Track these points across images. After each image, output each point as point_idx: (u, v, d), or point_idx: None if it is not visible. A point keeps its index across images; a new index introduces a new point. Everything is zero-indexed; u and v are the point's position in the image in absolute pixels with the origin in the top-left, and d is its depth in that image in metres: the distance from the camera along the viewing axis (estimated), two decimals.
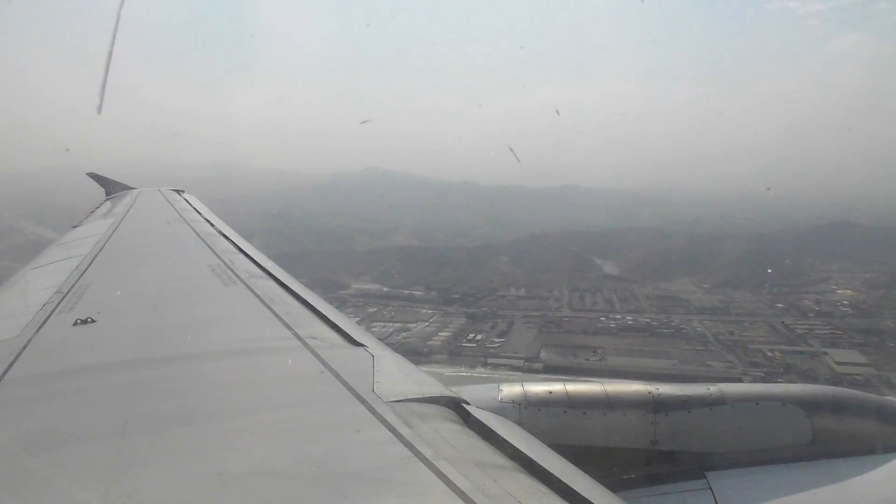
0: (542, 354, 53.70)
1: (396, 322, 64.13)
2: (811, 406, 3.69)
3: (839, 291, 76.34)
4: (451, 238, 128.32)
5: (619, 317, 65.47)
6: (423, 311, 70.12)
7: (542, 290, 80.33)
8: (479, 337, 58.86)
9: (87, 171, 16.94)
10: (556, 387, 3.75)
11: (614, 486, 2.71)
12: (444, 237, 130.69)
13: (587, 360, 51.81)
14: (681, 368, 49.04)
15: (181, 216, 10.27)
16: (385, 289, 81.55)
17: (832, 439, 3.64)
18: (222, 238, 8.03)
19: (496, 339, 58.13)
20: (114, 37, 6.40)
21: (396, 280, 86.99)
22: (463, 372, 48.68)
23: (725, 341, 56.56)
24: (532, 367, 49.95)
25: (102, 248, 7.81)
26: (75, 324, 4.24)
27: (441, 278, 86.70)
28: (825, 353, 51.69)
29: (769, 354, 52.27)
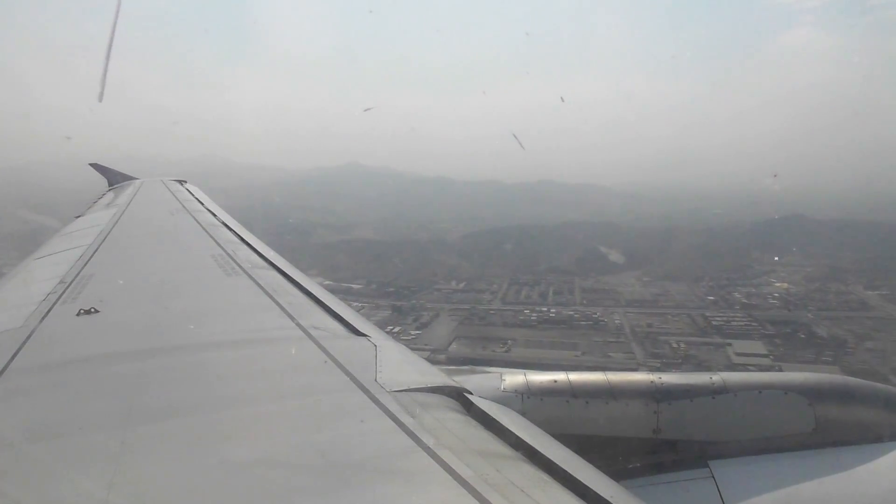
0: (452, 347, 54.07)
1: None
2: (814, 394, 3.69)
3: (777, 284, 76.64)
4: (415, 232, 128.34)
5: (545, 309, 65.72)
6: (354, 304, 70.19)
7: (482, 283, 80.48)
8: (396, 329, 58.83)
9: (90, 162, 16.83)
10: (559, 376, 3.77)
11: (617, 474, 2.72)
12: (406, 231, 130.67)
13: (493, 351, 52.14)
14: (581, 359, 49.31)
15: (184, 206, 10.34)
16: (326, 282, 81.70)
17: (835, 428, 3.64)
18: (225, 228, 8.09)
19: (413, 332, 58.35)
20: (114, 26, 6.44)
21: (341, 274, 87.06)
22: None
23: (639, 333, 56.86)
24: (436, 360, 50.14)
25: (105, 238, 7.82)
26: (79, 314, 4.25)
27: (385, 272, 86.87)
28: (729, 345, 52.12)
29: (674, 345, 52.63)
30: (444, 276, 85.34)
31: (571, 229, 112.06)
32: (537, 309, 65.87)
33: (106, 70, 6.07)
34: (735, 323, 58.97)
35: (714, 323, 59.07)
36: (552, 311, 64.88)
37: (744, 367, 46.58)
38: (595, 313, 63.70)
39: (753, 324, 58.56)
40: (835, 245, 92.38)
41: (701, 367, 47.17)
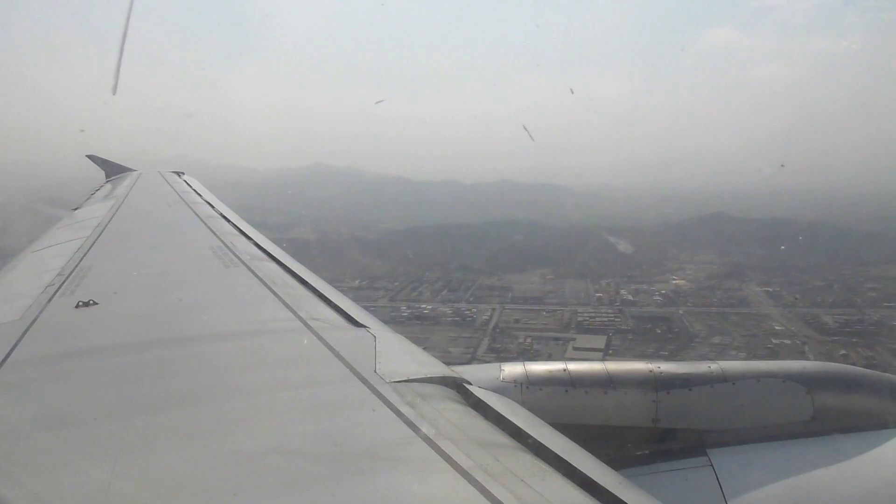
0: None
1: None
2: (812, 382, 3.72)
3: (674, 281, 77.33)
4: (355, 231, 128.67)
5: (422, 306, 66.25)
6: None
7: (384, 281, 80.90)
8: None
9: (87, 154, 16.86)
10: (558, 366, 3.80)
11: (616, 463, 2.73)
12: (346, 230, 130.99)
13: None
14: None
15: (182, 198, 10.46)
16: None
17: (833, 416, 3.67)
18: (223, 220, 8.17)
19: None
20: (128, 18, 6.39)
21: None
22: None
23: (499, 328, 57.41)
24: None
25: (104, 230, 7.80)
26: (77, 306, 4.25)
27: None
28: (573, 339, 52.74)
29: (520, 340, 53.24)
30: (352, 274, 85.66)
31: (494, 228, 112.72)
32: (414, 306, 66.40)
33: (119, 63, 6.07)
34: (599, 319, 59.51)
35: (579, 319, 59.62)
36: (427, 307, 65.37)
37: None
38: (471, 310, 64.25)
39: (617, 320, 59.21)
40: (748, 242, 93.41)
41: (535, 358, 47.81)
